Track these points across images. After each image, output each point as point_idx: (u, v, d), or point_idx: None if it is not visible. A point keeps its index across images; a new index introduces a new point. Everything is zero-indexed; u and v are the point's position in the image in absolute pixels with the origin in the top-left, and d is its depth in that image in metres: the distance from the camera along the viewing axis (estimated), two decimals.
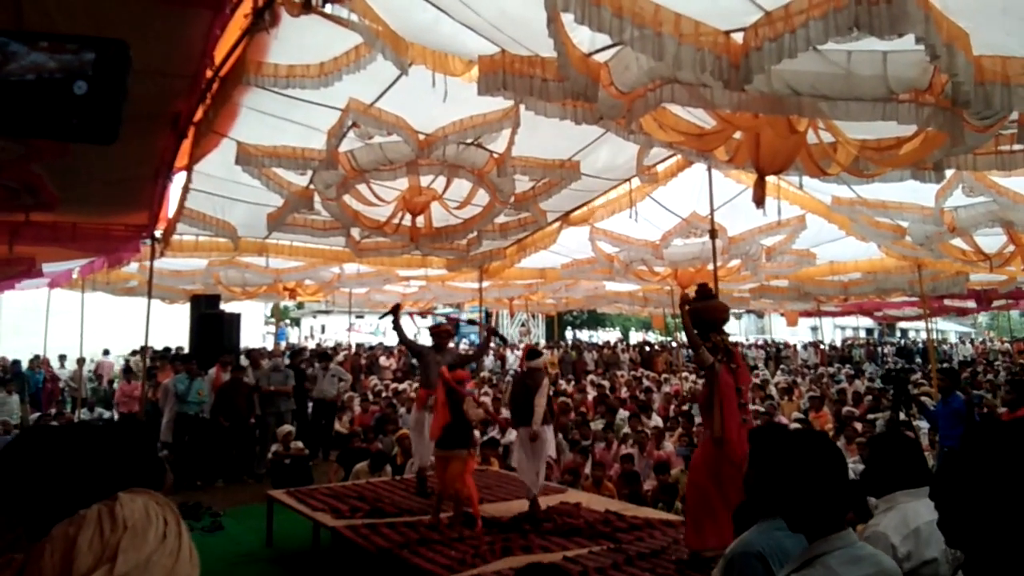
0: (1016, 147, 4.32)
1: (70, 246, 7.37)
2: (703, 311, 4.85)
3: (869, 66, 3.19)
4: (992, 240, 7.78)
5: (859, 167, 4.45)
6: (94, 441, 1.11)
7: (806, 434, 2.14)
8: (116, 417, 12.18)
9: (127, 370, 13.63)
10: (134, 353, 13.55)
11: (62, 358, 14.12)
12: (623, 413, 10.90)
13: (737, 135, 4.33)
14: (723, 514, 4.54)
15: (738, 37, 3.07)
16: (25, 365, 14.99)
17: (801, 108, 3.42)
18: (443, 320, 7.77)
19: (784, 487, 1.92)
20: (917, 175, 4.74)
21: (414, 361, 13.00)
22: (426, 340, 7.31)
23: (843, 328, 41.62)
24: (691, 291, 5.14)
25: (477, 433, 8.40)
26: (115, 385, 14.39)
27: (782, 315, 23.02)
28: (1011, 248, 7.58)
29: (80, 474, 1.04)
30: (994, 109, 3.18)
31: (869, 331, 40.97)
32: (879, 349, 29.32)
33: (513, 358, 22.20)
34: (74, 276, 10.76)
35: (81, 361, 12.73)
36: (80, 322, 11.27)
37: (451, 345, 7.60)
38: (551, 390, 7.01)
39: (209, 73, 4.87)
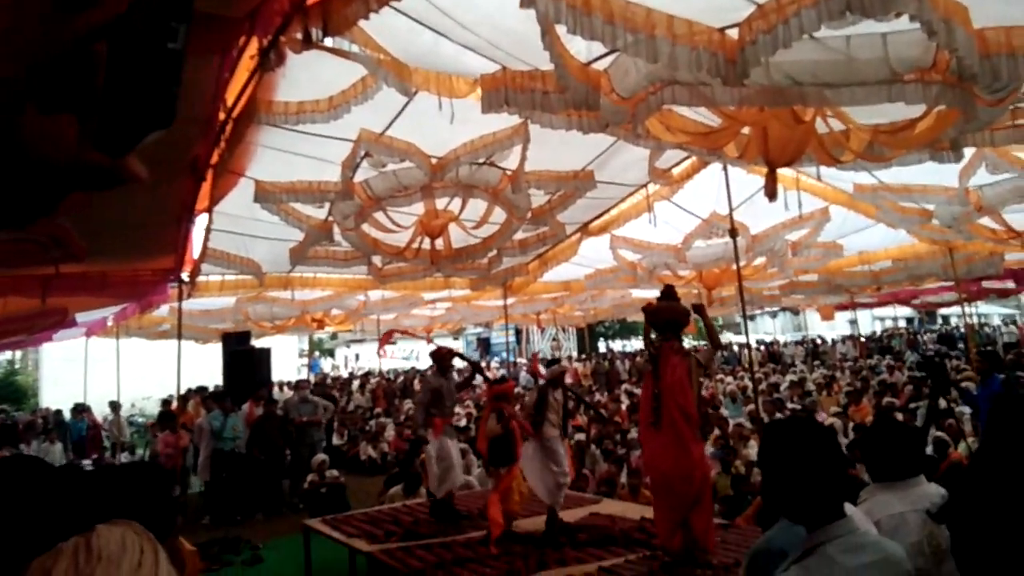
0: None
1: (100, 294, 7.56)
2: (661, 311, 5.07)
3: (869, 49, 3.15)
4: (1022, 217, 7.59)
5: (874, 152, 4.37)
6: (82, 479, 1.14)
7: (792, 422, 2.09)
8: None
9: (164, 416, 13.75)
10: (165, 403, 13.70)
11: (113, 405, 14.41)
12: None
13: (745, 130, 4.30)
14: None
15: (733, 33, 3.06)
16: (67, 415, 15.32)
17: (804, 98, 3.38)
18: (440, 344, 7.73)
19: (774, 477, 1.89)
20: (935, 156, 4.66)
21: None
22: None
23: (882, 319, 40.80)
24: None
25: None
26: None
27: (817, 310, 22.62)
28: None
29: (59, 510, 1.06)
30: (1003, 81, 3.12)
31: (909, 320, 40.11)
32: (919, 337, 28.66)
33: (545, 374, 22.13)
34: (108, 324, 11.02)
35: (116, 406, 12.97)
36: (116, 368, 11.51)
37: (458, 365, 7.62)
38: (571, 401, 7.00)
39: (222, 115, 4.99)
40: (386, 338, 7.49)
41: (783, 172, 5.85)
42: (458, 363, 7.65)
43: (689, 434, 4.76)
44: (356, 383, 21.04)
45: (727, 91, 3.35)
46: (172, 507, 1.37)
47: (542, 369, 7.14)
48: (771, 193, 4.18)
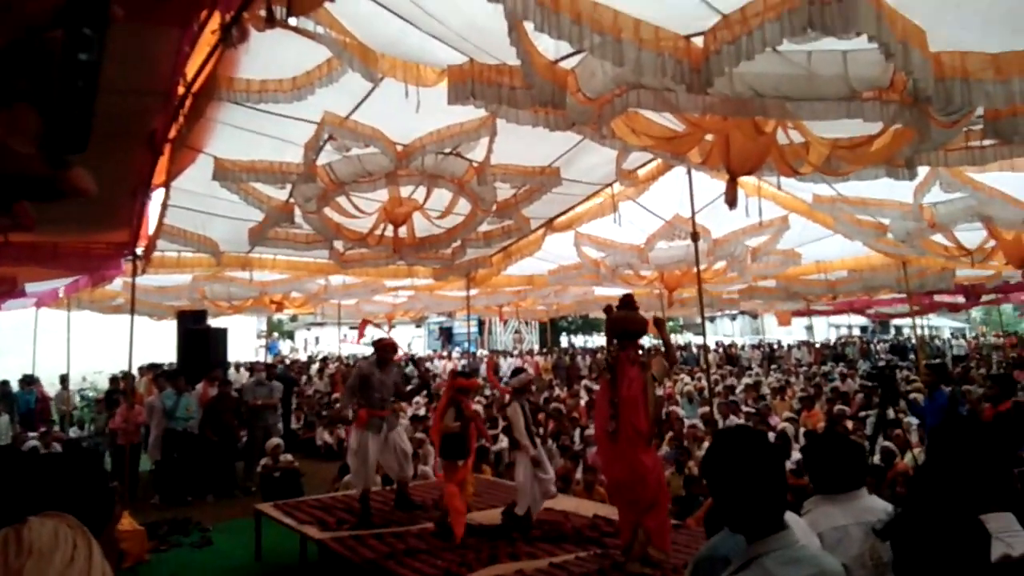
0: (986, 143, 4.34)
1: (51, 266, 7.34)
2: (620, 321, 5.16)
3: (830, 66, 3.20)
4: (974, 235, 7.81)
5: (832, 166, 4.45)
6: (13, 464, 1.11)
7: (739, 432, 2.11)
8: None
9: (114, 395, 13.43)
10: (114, 381, 13.35)
11: (63, 378, 14.03)
12: None
13: (709, 137, 4.34)
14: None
15: (698, 41, 3.08)
16: (15, 386, 14.89)
17: (766, 110, 3.43)
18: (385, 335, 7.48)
19: (718, 486, 1.91)
20: (891, 172, 4.75)
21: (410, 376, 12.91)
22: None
23: (837, 327, 41.71)
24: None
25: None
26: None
27: (774, 315, 23.05)
28: (992, 243, 7.60)
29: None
30: (956, 104, 3.19)
31: (863, 329, 41.08)
32: (872, 346, 29.39)
33: (507, 365, 22.17)
34: (60, 295, 10.72)
35: (65, 379, 12.65)
36: (67, 341, 11.22)
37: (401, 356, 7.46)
38: (540, 400, 7.04)
39: (181, 90, 4.87)
40: (363, 327, 7.36)
41: (745, 179, 5.93)
42: (407, 367, 7.55)
43: (641, 445, 4.87)
44: (315, 367, 20.82)
45: (691, 98, 3.38)
46: (109, 497, 1.35)
47: (503, 377, 7.09)
48: (731, 201, 4.23)
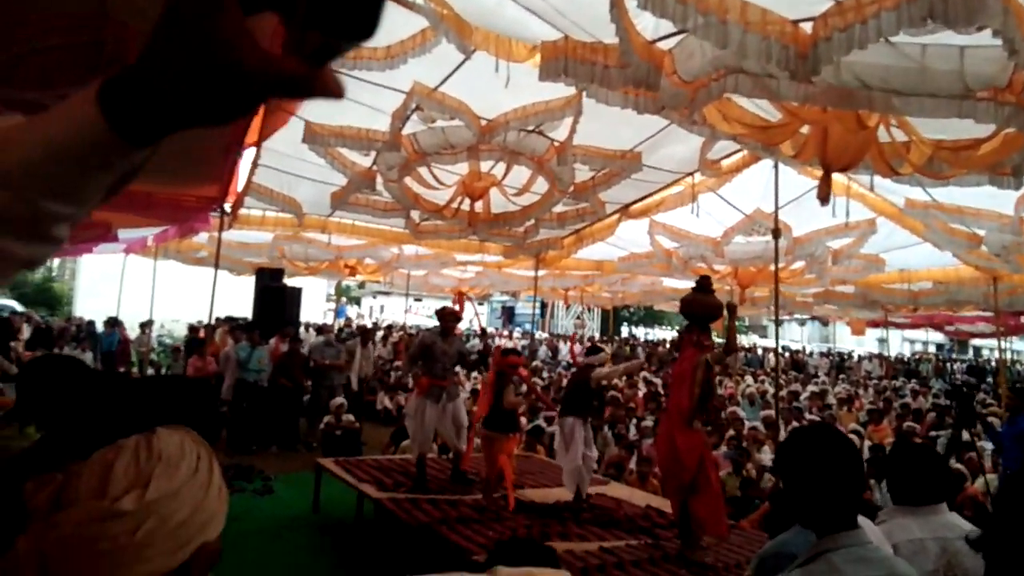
0: None
1: (144, 214, 7.71)
2: (689, 303, 5.07)
3: (945, 61, 3.06)
4: None
5: (933, 168, 4.26)
6: (131, 385, 1.18)
7: (815, 429, 2.08)
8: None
9: (192, 343, 14.10)
10: (193, 329, 13.98)
11: (144, 324, 14.79)
12: None
13: (804, 129, 4.21)
14: None
15: (807, 27, 2.98)
16: (99, 327, 15.76)
17: (872, 102, 3.30)
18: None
19: (793, 480, 1.89)
20: (995, 180, 4.53)
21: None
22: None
23: (912, 342, 40.08)
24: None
25: (523, 420, 8.47)
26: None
27: (847, 324, 22.29)
28: None
29: (116, 407, 1.10)
30: None
31: (939, 346, 39.31)
32: (948, 365, 28.10)
33: (565, 349, 22.16)
34: (148, 243, 11.25)
35: (148, 324, 13.27)
36: (152, 288, 11.77)
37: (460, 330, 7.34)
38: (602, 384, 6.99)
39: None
40: (461, 300, 7.39)
41: (836, 177, 5.73)
42: (472, 339, 7.58)
43: (680, 424, 4.87)
44: (379, 334, 21.27)
45: (793, 86, 3.28)
46: (219, 421, 1.41)
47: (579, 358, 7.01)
48: (824, 196, 4.10)
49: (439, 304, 8.87)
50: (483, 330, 7.83)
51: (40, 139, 0.60)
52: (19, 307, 22.13)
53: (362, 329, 11.19)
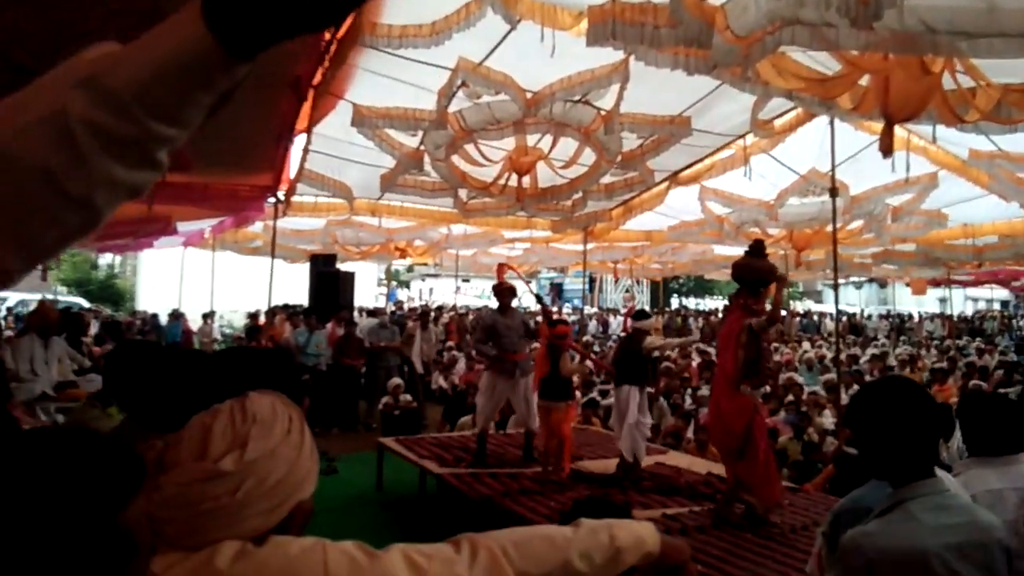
0: None
1: (202, 205, 7.92)
2: (738, 267, 5.03)
3: None
4: None
5: (1002, 113, 4.08)
6: (217, 356, 1.22)
7: (889, 380, 2.07)
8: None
9: (252, 330, 14.49)
10: (252, 316, 14.37)
11: (206, 315, 15.30)
12: None
13: (864, 80, 4.07)
14: None
15: None
16: (163, 319, 16.33)
17: (937, 47, 3.16)
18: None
19: (868, 431, 1.86)
20: None
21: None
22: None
23: (975, 300, 38.70)
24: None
25: (578, 394, 8.46)
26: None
27: (907, 284, 21.59)
28: None
29: (207, 375, 1.14)
30: None
31: (1004, 303, 37.83)
32: (1014, 322, 27.07)
33: (616, 323, 22.06)
34: (206, 235, 11.57)
35: (210, 315, 13.66)
36: (211, 279, 12.11)
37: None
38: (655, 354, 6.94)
39: (327, 36, 5.07)
40: (502, 272, 7.42)
41: (895, 130, 5.54)
42: (529, 302, 7.52)
43: (726, 388, 4.87)
44: (431, 316, 21.49)
45: (853, 34, 3.17)
46: (303, 389, 1.46)
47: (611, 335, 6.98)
48: (887, 148, 3.97)
49: (487, 285, 8.89)
50: (538, 297, 7.80)
51: (148, 58, 0.60)
52: (85, 303, 23.02)
53: (424, 311, 11.32)
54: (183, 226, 10.23)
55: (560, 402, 6.14)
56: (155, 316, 17.07)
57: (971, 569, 1.69)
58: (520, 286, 8.20)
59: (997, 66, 3.97)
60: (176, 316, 15.67)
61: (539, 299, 7.45)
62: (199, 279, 14.40)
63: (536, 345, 7.08)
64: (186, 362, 1.21)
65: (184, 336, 15.79)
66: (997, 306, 36.80)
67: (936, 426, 1.87)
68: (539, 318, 7.04)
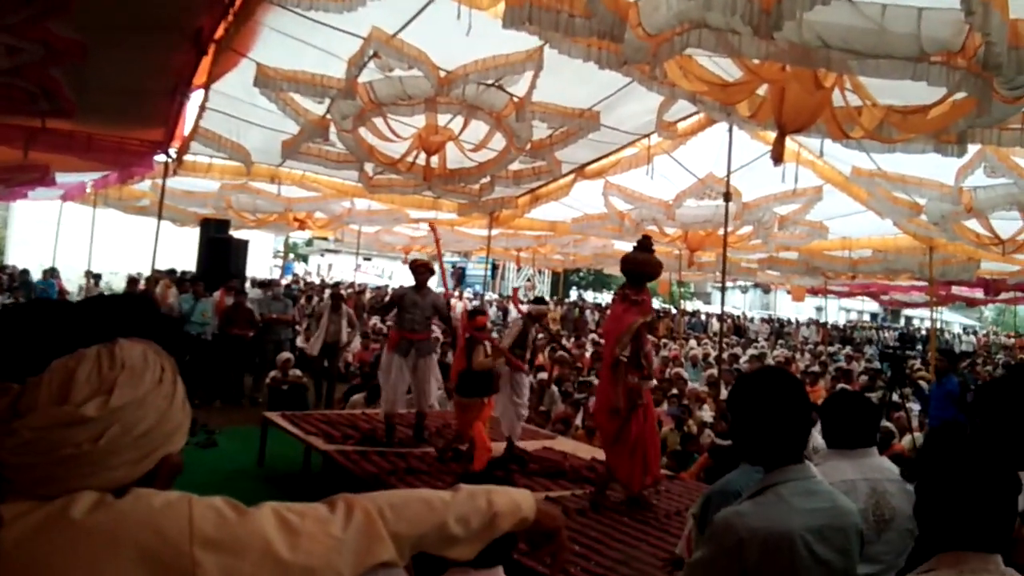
0: None
1: (84, 156, 7.38)
2: (626, 260, 5.25)
3: (903, 22, 3.13)
4: (1008, 225, 7.71)
5: (884, 132, 4.38)
6: (87, 303, 1.13)
7: (767, 370, 2.18)
8: None
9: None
10: (132, 281, 13.55)
11: (88, 274, 14.23)
12: None
13: (762, 90, 4.27)
14: None
15: None
16: (35, 276, 15.15)
17: (830, 62, 3.36)
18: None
19: (743, 418, 1.96)
20: (940, 148, 4.68)
21: None
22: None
23: (848, 311, 41.67)
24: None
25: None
26: None
27: (788, 291, 22.99)
28: None
29: (72, 322, 1.05)
30: None
31: (874, 316, 41.03)
32: (881, 333, 29.33)
33: (514, 312, 22.27)
34: (87, 189, 10.80)
35: (94, 275, 12.78)
36: (91, 237, 11.33)
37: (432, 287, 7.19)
38: (546, 341, 7.06)
39: None
40: (433, 228, 7.28)
41: (786, 143, 5.84)
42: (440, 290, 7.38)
43: (606, 376, 5.13)
44: (327, 292, 20.96)
45: (755, 43, 3.30)
46: (180, 337, 1.36)
47: (523, 306, 6.97)
48: (778, 156, 4.19)
49: (389, 264, 8.78)
50: (447, 288, 7.78)
51: None
52: None
53: (335, 292, 10.93)
54: (62, 177, 9.50)
55: (478, 398, 6.04)
56: (25, 272, 15.80)
57: (829, 551, 1.81)
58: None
59: (882, 87, 4.26)
60: (51, 274, 14.57)
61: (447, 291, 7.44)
62: (77, 236, 13.42)
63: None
64: (46, 309, 1.11)
65: (59, 296, 14.72)
66: (867, 317, 39.81)
67: (807, 415, 1.99)
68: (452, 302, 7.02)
